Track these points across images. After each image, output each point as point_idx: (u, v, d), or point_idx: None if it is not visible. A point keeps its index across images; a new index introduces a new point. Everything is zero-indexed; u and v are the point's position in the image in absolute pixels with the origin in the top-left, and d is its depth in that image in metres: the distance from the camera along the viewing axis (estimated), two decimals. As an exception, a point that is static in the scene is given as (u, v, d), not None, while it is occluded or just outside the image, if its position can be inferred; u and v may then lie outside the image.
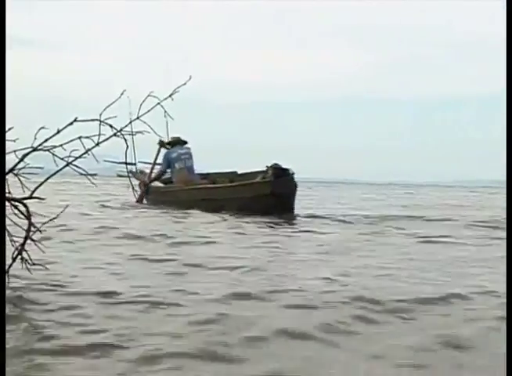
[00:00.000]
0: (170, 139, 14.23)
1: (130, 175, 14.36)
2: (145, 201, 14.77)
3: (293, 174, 11.66)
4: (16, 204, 3.63)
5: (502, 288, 3.94)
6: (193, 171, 14.35)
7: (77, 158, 3.56)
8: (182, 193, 13.73)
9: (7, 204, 3.57)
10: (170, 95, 3.58)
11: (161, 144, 14.57)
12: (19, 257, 3.62)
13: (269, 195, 11.46)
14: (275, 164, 11.72)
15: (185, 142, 14.42)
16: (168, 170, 14.49)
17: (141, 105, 3.56)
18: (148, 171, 15.21)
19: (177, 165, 14.17)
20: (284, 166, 11.83)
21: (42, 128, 3.60)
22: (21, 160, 3.57)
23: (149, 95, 3.54)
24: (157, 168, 14.86)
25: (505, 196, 7.02)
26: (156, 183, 14.83)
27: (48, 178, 3.69)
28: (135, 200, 14.57)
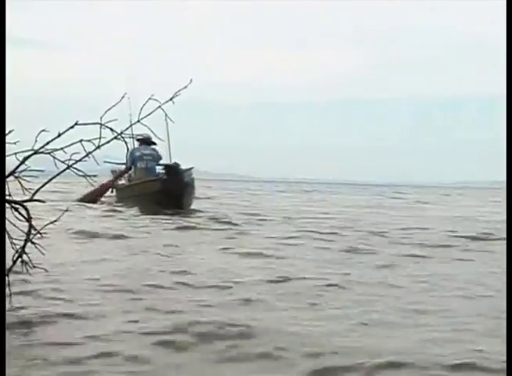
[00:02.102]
0: (141, 136, 14.61)
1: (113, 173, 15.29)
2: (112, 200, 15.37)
3: (183, 173, 12.62)
4: (17, 206, 3.63)
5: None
6: (153, 172, 14.83)
7: (77, 161, 3.56)
8: (123, 190, 14.84)
9: (8, 206, 3.56)
10: (171, 99, 3.58)
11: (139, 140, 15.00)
12: (20, 259, 3.62)
13: (160, 192, 12.51)
14: (175, 163, 12.65)
15: (153, 143, 14.95)
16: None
17: (142, 108, 3.55)
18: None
19: (138, 164, 14.88)
20: (182, 165, 12.93)
21: (43, 130, 3.59)
22: (22, 162, 3.56)
23: (149, 99, 3.53)
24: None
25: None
26: (122, 181, 15.46)
27: (48, 181, 3.70)
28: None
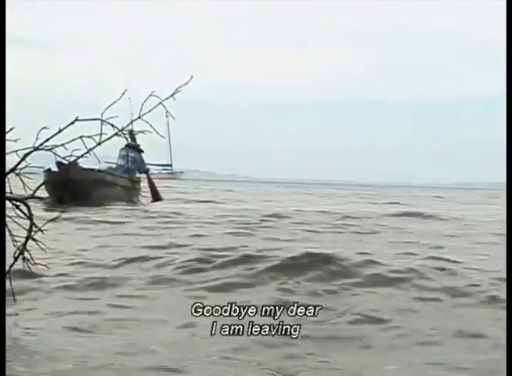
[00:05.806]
0: (134, 144, 16.72)
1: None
2: None
3: (66, 168, 14.01)
4: (18, 203, 3.62)
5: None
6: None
7: (78, 158, 3.56)
8: None
9: (9, 203, 3.56)
10: (172, 95, 3.57)
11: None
12: (21, 257, 3.62)
13: (47, 182, 13.74)
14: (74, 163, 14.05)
15: (138, 151, 16.81)
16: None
17: (142, 105, 3.55)
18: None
19: (119, 161, 17.20)
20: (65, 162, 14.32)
21: (44, 128, 3.59)
22: (22, 159, 3.56)
23: (150, 95, 3.53)
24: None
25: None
26: None
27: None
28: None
